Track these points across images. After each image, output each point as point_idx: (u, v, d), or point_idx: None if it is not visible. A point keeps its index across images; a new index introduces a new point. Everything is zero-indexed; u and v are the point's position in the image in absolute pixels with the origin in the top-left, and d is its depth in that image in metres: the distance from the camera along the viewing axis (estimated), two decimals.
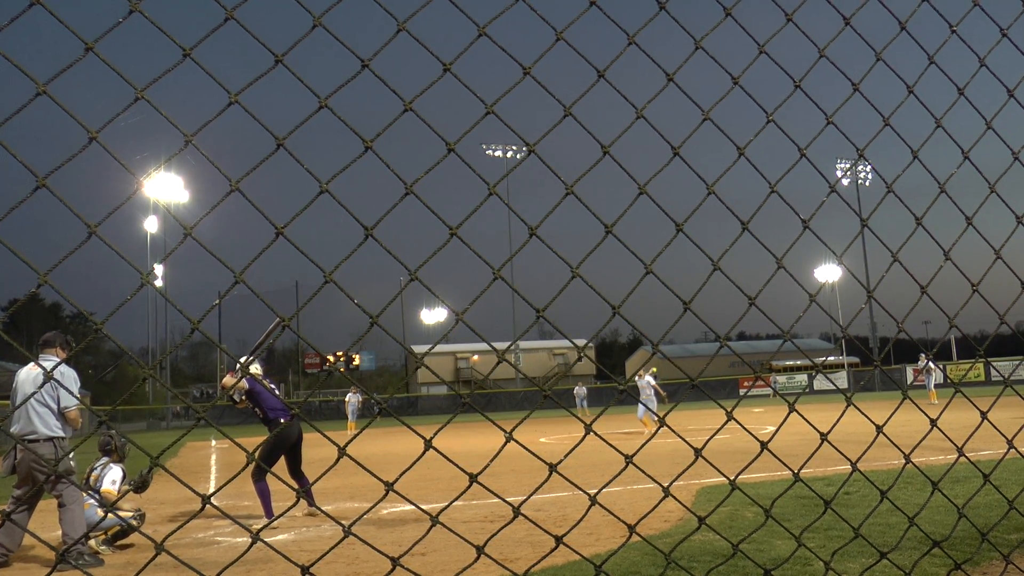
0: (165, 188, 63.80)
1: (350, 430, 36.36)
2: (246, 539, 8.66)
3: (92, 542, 8.99)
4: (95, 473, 9.14)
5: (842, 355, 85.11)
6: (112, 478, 9.11)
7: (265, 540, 2.02)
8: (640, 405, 22.63)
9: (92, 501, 8.76)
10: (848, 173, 69.19)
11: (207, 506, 1.94)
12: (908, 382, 61.63)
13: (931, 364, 44.21)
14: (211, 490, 14.61)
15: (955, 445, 3.17)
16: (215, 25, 2.00)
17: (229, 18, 1.98)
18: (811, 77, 2.96)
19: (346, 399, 40.80)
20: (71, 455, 8.26)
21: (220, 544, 8.49)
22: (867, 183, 77.88)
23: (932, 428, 3.01)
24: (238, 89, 2.00)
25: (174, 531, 2.06)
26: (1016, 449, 3.41)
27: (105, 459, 9.19)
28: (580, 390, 49.32)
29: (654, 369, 24.80)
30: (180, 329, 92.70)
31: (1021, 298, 3.42)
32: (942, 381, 38.66)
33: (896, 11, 3.17)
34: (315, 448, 24.49)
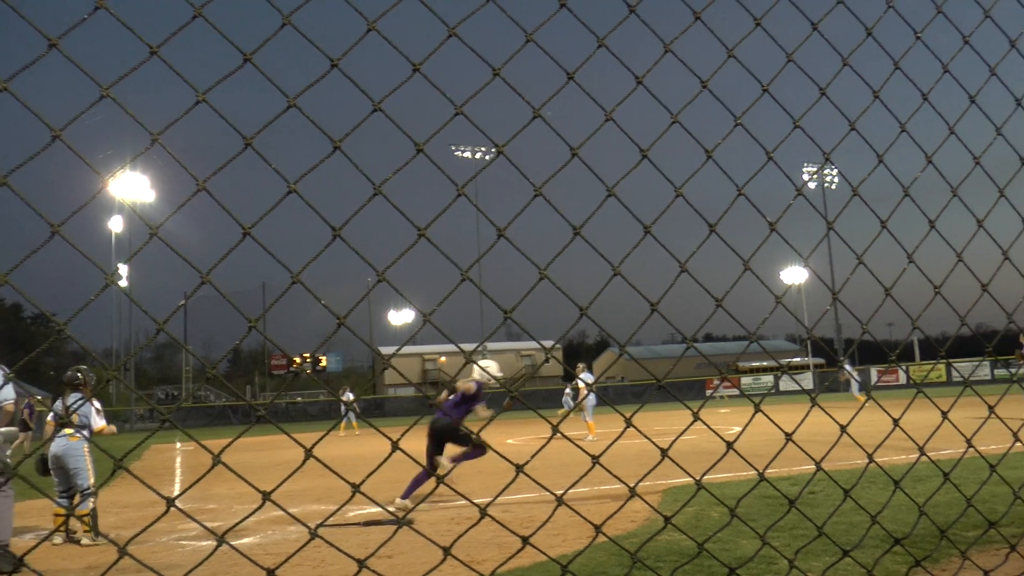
0: (131, 187, 62.91)
1: (353, 430, 36.28)
2: (211, 542, 8.58)
3: (85, 539, 8.90)
4: (74, 411, 9.09)
5: (808, 356, 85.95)
6: (94, 413, 9.22)
7: (230, 543, 2.00)
8: (587, 408, 22.56)
9: (84, 434, 8.89)
10: (815, 177, 69.98)
11: (171, 509, 1.92)
12: (872, 383, 62.45)
13: (848, 369, 44.93)
14: (176, 493, 14.44)
15: (917, 445, 3.22)
16: (183, 23, 1.98)
17: (197, 16, 1.97)
18: (779, 81, 2.99)
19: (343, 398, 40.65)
20: (8, 453, 8.25)
21: (185, 548, 8.40)
22: (833, 186, 78.69)
23: (894, 428, 3.05)
24: (206, 87, 1.98)
25: (137, 534, 2.04)
26: (975, 448, 3.46)
27: (77, 395, 9.10)
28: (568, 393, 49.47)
29: (581, 365, 23.99)
30: (145, 330, 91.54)
31: (982, 300, 3.47)
32: (860, 384, 39.54)
33: (863, 17, 3.21)
34: (282, 450, 24.35)
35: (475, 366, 10.92)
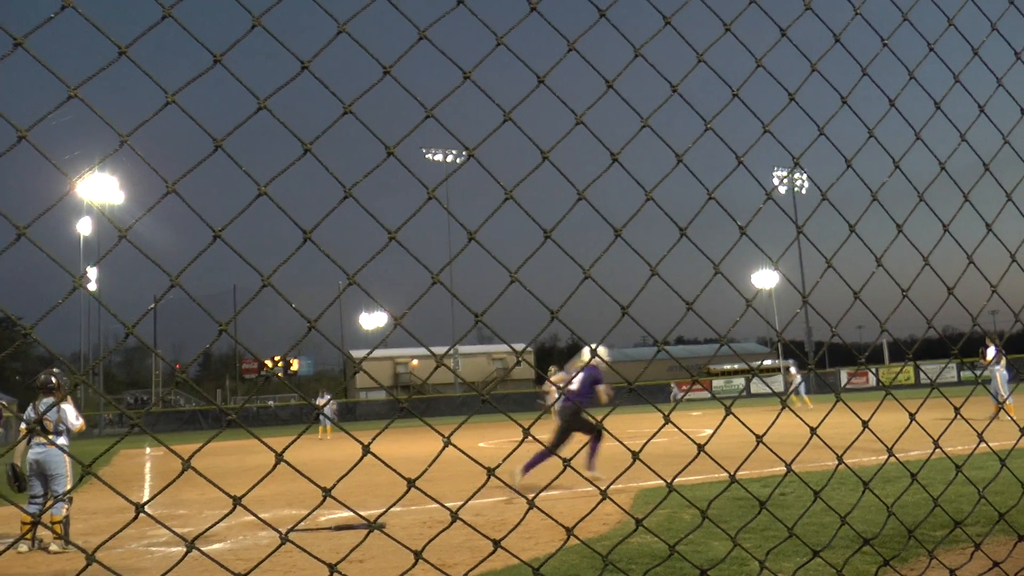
0: (99, 189, 62.12)
1: (327, 434, 36.21)
2: (181, 548, 8.50)
3: (54, 546, 8.79)
4: (48, 418, 8.98)
5: (778, 359, 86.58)
6: (73, 415, 9.09)
7: (200, 549, 1.98)
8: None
9: (63, 440, 8.78)
10: (785, 181, 70.49)
11: (141, 515, 1.90)
12: (842, 385, 63.05)
13: (793, 372, 45.54)
14: (145, 498, 14.29)
15: (885, 446, 3.25)
16: (153, 23, 1.96)
17: (166, 16, 1.95)
18: (749, 86, 3.01)
19: (317, 402, 40.50)
20: None
21: (154, 554, 8.32)
22: (803, 191, 79.31)
23: (864, 430, 3.08)
24: (176, 88, 1.97)
25: (106, 541, 2.01)
26: (942, 449, 3.51)
27: (50, 399, 8.98)
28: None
29: (553, 368, 24.24)
30: (114, 334, 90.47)
31: (948, 304, 3.52)
32: (805, 388, 40.20)
33: (831, 23, 3.24)
34: (253, 455, 24.17)
35: (586, 351, 11.56)
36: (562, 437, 11.30)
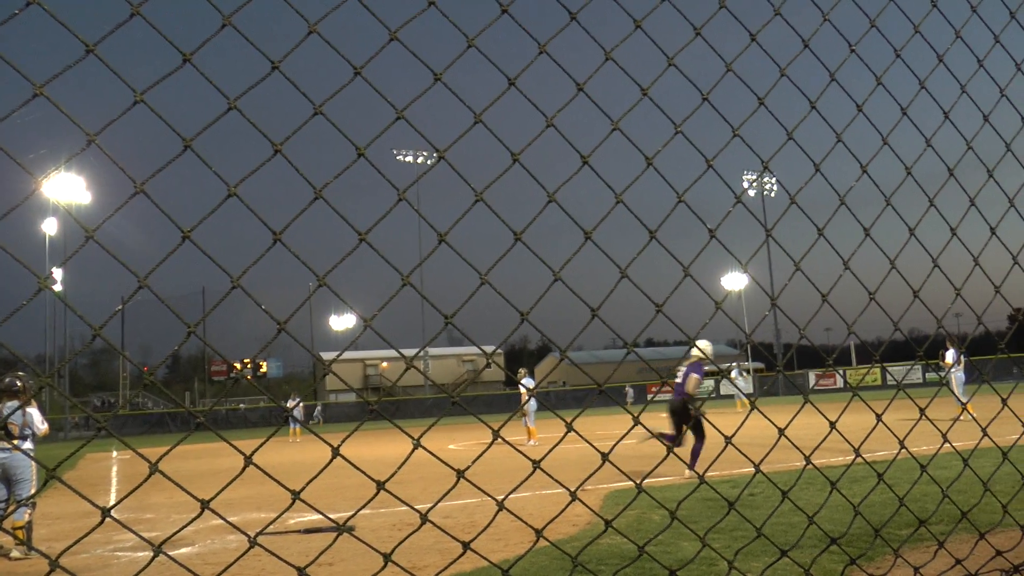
0: (66, 189, 61.25)
1: (297, 437, 36.08)
2: (148, 553, 8.41)
3: (16, 552, 8.64)
4: (14, 421, 8.81)
5: (747, 361, 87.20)
6: (39, 418, 8.93)
7: (168, 553, 1.97)
8: (529, 413, 22.67)
9: (29, 445, 8.62)
10: (754, 185, 71.09)
11: (107, 520, 1.88)
12: (810, 386, 63.66)
13: (735, 375, 46.21)
14: (111, 503, 14.12)
15: (852, 447, 3.29)
16: (121, 21, 1.95)
17: (135, 14, 1.94)
18: (719, 91, 3.04)
19: (287, 404, 40.33)
20: None
21: (120, 559, 8.22)
22: (772, 194, 79.98)
23: (831, 431, 3.12)
24: (144, 88, 1.95)
25: (70, 546, 1.99)
26: (907, 450, 3.55)
27: (15, 403, 8.82)
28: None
29: (523, 371, 24.53)
30: (80, 336, 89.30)
31: (914, 306, 3.56)
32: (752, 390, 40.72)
33: (800, 29, 3.28)
34: (221, 458, 23.95)
35: (702, 344, 12.21)
36: (677, 428, 12.02)
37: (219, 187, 2.04)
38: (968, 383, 21.67)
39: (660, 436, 11.05)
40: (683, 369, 12.29)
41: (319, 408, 66.31)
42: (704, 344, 12.64)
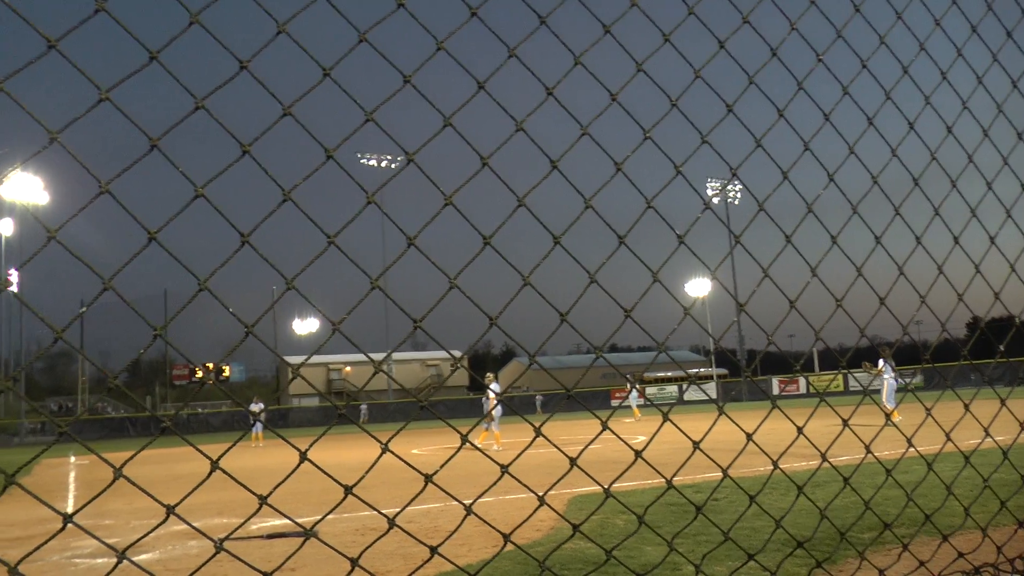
0: (22, 189, 60.27)
1: (260, 442, 35.95)
2: (107, 560, 8.27)
3: None
4: None
5: (711, 367, 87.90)
6: None
7: (130, 559, 1.93)
8: (495, 418, 22.69)
9: None
10: (720, 192, 71.75)
11: (62, 527, 1.84)
12: (775, 392, 64.32)
13: (630, 382, 46.68)
14: (70, 508, 13.90)
15: (819, 451, 3.31)
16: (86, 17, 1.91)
17: (100, 10, 1.90)
18: (687, 97, 3.05)
19: (251, 408, 40.22)
20: None
21: (78, 566, 8.08)
22: (736, 202, 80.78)
23: (798, 435, 3.14)
24: (110, 85, 1.91)
25: (29, 553, 1.94)
26: (873, 454, 3.59)
27: None
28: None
29: (490, 375, 24.79)
30: (37, 339, 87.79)
31: (879, 313, 3.60)
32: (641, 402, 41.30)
33: (768, 38, 3.30)
34: (180, 463, 23.69)
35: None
36: None
37: (184, 187, 2.01)
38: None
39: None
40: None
41: (365, 407, 67.36)
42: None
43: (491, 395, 23.80)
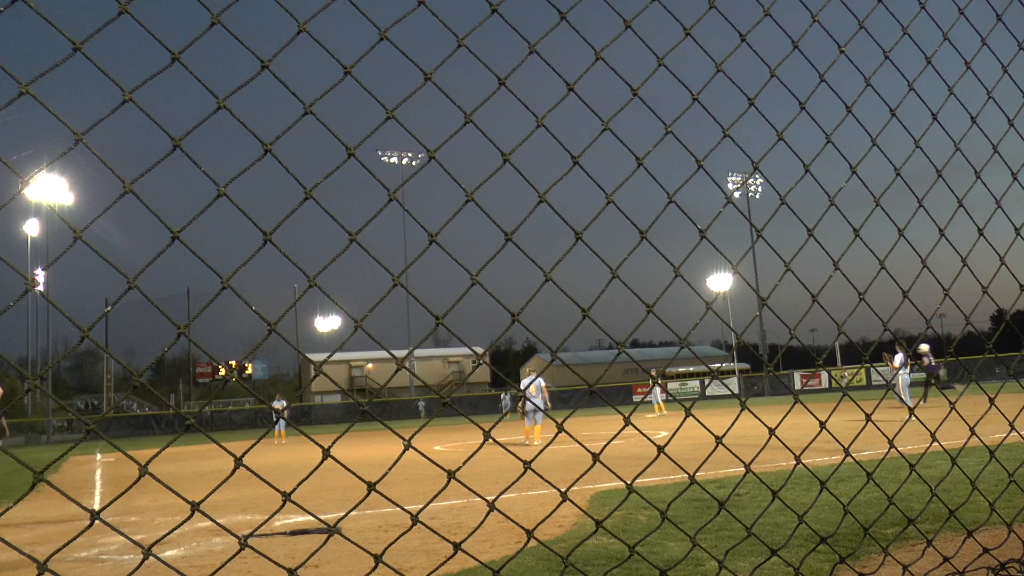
0: (48, 190, 60.83)
1: (282, 439, 36.40)
2: (132, 556, 8.35)
3: None
4: None
5: (733, 362, 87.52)
6: None
7: (157, 555, 1.95)
8: (530, 413, 22.44)
9: None
10: (741, 186, 71.40)
11: (89, 524, 1.86)
12: (797, 387, 63.97)
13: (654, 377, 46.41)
14: (96, 505, 14.05)
15: (842, 446, 3.30)
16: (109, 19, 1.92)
17: (123, 12, 1.92)
18: (708, 91, 3.03)
19: (274, 406, 40.65)
20: None
21: (105, 562, 8.16)
22: (757, 195, 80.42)
23: (821, 430, 3.12)
24: (133, 87, 1.93)
25: (58, 550, 1.97)
26: (896, 449, 3.56)
27: None
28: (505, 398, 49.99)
29: (527, 369, 24.61)
30: (64, 338, 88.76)
31: (903, 306, 3.57)
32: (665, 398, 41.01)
33: (790, 30, 3.28)
34: (204, 460, 23.84)
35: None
36: None
37: (207, 187, 2.03)
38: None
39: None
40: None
41: (423, 403, 67.90)
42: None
43: (542, 385, 23.11)
